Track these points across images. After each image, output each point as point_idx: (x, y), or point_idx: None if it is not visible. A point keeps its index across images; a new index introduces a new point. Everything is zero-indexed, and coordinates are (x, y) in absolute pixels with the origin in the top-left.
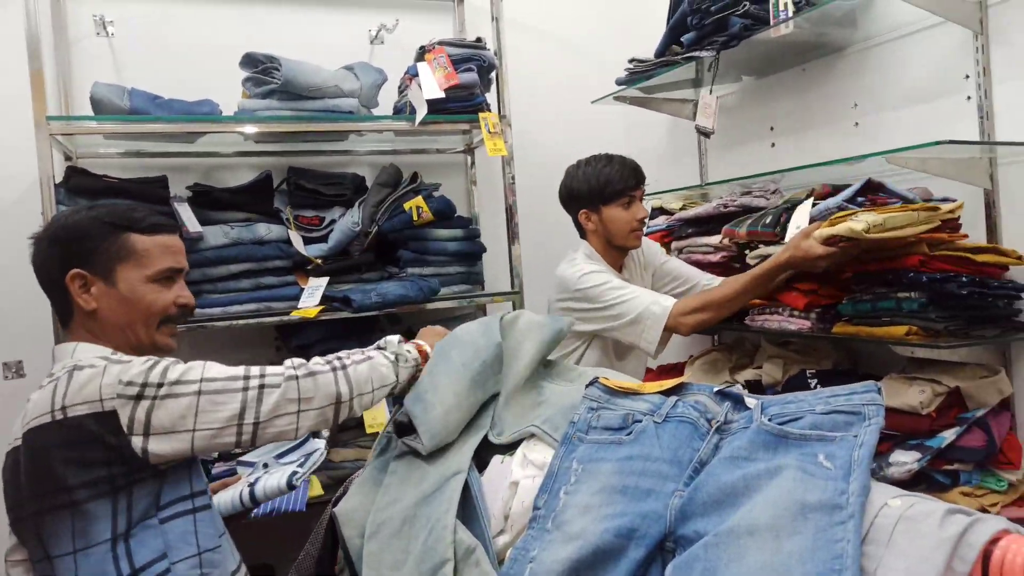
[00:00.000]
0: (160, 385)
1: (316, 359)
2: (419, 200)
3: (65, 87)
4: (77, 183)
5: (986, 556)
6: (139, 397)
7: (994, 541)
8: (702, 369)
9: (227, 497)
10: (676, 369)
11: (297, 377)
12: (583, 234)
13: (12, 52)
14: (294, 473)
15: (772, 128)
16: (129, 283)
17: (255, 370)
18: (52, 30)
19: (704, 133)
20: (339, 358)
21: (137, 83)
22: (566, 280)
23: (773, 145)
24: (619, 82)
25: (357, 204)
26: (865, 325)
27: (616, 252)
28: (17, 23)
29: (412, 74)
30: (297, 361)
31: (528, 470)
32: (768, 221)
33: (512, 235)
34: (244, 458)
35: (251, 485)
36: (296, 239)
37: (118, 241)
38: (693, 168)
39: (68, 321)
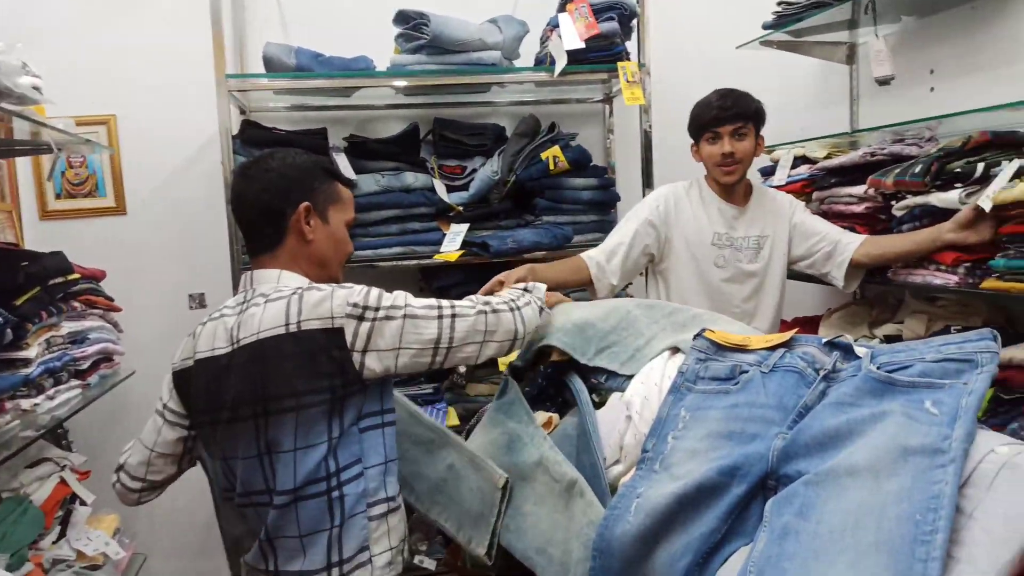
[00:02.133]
0: (378, 309)
1: (491, 299)
2: (556, 150)
3: (240, 46)
4: (251, 135)
5: None
6: (361, 318)
7: None
8: (840, 322)
9: None
10: (812, 322)
11: (484, 312)
12: None
13: (195, 15)
14: None
15: (932, 71)
16: (337, 223)
17: (446, 303)
18: None
19: (883, 82)
20: (513, 300)
21: (302, 41)
22: None
23: (932, 90)
24: (766, 26)
25: (497, 154)
26: (1017, 281)
27: (721, 186)
28: None
29: (553, 25)
30: (479, 298)
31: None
32: (917, 170)
33: (647, 184)
34: None
35: None
36: (440, 187)
37: (331, 186)
38: (844, 115)
39: (273, 248)
